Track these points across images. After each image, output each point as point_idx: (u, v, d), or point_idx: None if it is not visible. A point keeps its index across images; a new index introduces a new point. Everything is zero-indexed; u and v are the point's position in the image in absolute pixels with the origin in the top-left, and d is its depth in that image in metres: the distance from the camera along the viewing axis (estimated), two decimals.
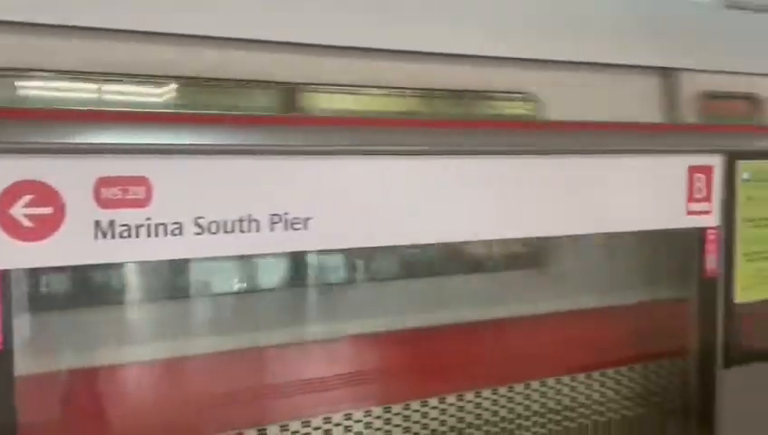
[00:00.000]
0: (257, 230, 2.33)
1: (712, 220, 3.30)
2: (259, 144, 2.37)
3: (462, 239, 2.91)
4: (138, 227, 2.13)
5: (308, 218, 2.41)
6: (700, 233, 3.31)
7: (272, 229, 2.35)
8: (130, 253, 2.17)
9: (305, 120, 2.79)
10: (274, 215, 2.35)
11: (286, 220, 2.37)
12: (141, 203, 2.14)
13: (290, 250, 2.56)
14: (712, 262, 3.33)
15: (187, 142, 2.24)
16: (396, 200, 2.60)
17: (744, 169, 3.37)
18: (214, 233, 2.26)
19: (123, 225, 2.11)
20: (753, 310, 3.48)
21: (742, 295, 3.41)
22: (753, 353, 3.49)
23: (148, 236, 2.15)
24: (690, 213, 3.24)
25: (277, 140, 2.42)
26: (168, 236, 2.18)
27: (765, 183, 3.45)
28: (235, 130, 2.40)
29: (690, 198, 3.23)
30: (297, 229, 2.40)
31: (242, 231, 2.30)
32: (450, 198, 2.71)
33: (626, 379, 3.52)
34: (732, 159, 3.31)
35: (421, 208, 2.66)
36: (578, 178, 3.00)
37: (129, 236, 2.12)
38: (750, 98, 3.99)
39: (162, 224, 2.17)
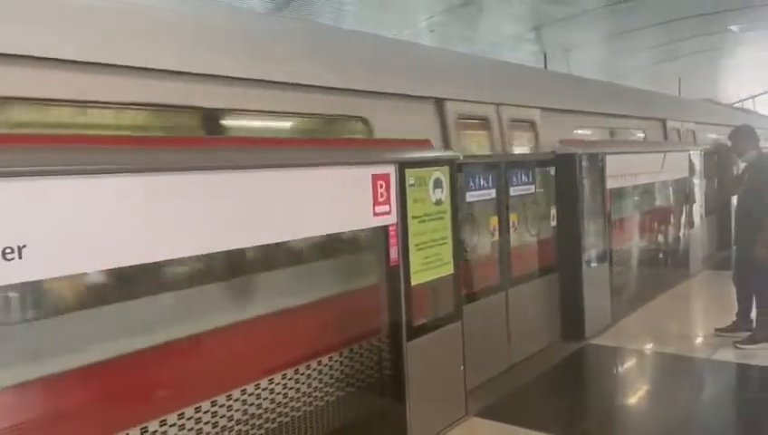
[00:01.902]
0: None
1: (392, 219, 3.94)
2: None
3: (180, 255, 2.89)
4: None
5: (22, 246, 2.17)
6: (384, 229, 3.92)
7: None
8: None
9: (7, 138, 2.46)
10: None
11: None
12: None
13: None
14: (394, 253, 3.98)
15: None
16: (107, 220, 2.51)
17: (410, 175, 4.10)
18: None
19: None
20: (423, 290, 4.25)
21: (415, 279, 4.14)
22: (427, 326, 4.26)
23: None
24: (376, 214, 3.83)
25: None
26: None
27: (424, 187, 4.25)
28: None
29: (375, 202, 3.81)
30: (9, 260, 2.14)
31: None
32: (168, 215, 2.72)
33: (328, 367, 3.87)
34: (402, 168, 4.00)
35: (142, 226, 2.61)
36: (279, 190, 3.27)
37: None
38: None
39: None
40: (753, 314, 6.02)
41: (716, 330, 6.24)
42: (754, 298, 6.01)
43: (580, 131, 7.36)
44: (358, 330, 4.06)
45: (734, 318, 6.17)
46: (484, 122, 5.58)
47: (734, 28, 16.64)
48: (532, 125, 6.22)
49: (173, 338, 3.05)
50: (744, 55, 21.50)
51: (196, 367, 3.20)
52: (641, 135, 8.92)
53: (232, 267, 3.47)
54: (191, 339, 3.14)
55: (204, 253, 3.00)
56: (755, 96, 29.88)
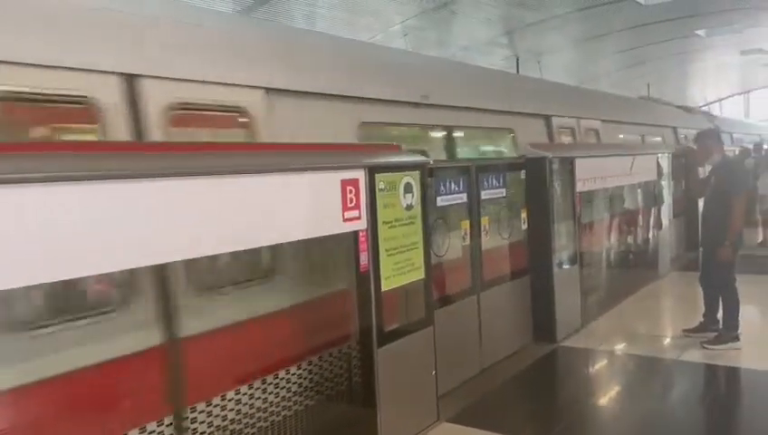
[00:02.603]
0: None
1: (361, 224, 3.90)
2: None
3: (135, 265, 2.77)
4: None
5: None
6: (354, 235, 3.89)
7: None
8: None
9: None
10: None
11: None
12: None
13: None
14: (364, 259, 3.95)
15: None
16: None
17: (380, 180, 4.08)
18: None
19: None
20: (394, 296, 4.23)
21: (386, 284, 4.11)
22: (398, 332, 4.24)
23: None
24: (346, 220, 3.79)
25: None
26: None
27: (394, 192, 4.22)
28: None
29: (345, 207, 3.78)
30: None
31: None
32: (121, 223, 2.61)
33: (296, 376, 3.83)
34: (371, 172, 3.97)
35: (90, 236, 2.53)
36: (244, 197, 3.18)
37: None
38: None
39: None
40: (720, 315, 6.12)
41: (684, 331, 6.33)
42: (720, 300, 6.11)
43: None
44: (327, 337, 4.03)
45: (702, 319, 6.27)
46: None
47: (700, 33, 16.98)
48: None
49: (131, 352, 2.97)
50: (710, 59, 21.98)
51: (157, 381, 3.12)
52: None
53: (195, 277, 3.35)
54: (151, 352, 3.06)
55: (164, 262, 2.93)
56: (722, 99, 30.57)
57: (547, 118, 7.36)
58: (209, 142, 3.60)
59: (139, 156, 2.89)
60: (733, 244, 5.87)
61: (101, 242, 2.53)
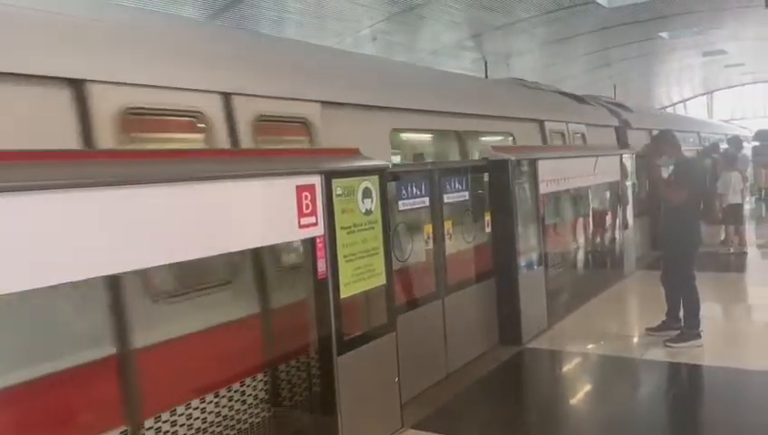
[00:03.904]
0: None
1: (318, 230, 3.84)
2: None
3: (82, 277, 2.67)
4: None
5: None
6: (311, 241, 3.82)
7: None
8: None
9: None
10: None
11: None
12: None
13: None
14: (322, 266, 3.89)
15: None
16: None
17: (337, 185, 4.02)
18: None
19: None
20: (354, 303, 4.17)
21: (345, 291, 4.05)
22: (359, 339, 4.18)
23: None
24: (302, 226, 3.72)
25: None
26: None
27: (352, 197, 4.17)
28: None
29: (301, 213, 3.71)
30: None
31: None
32: (65, 233, 2.52)
33: (252, 387, 3.74)
34: (328, 178, 3.90)
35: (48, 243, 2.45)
36: (203, 204, 3.12)
37: None
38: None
39: None
40: (682, 314, 6.20)
41: (647, 329, 6.40)
42: (681, 299, 6.18)
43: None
44: (285, 347, 3.96)
45: (664, 317, 6.34)
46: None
47: (663, 35, 17.28)
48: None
49: (74, 365, 2.87)
50: (674, 61, 22.40)
51: (104, 395, 3.03)
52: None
53: (146, 286, 3.26)
54: (96, 364, 2.97)
55: (110, 274, 2.83)
56: (687, 100, 31.20)
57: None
58: (156, 150, 3.50)
59: (82, 164, 2.79)
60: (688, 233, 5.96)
61: (45, 254, 2.45)
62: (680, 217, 6.05)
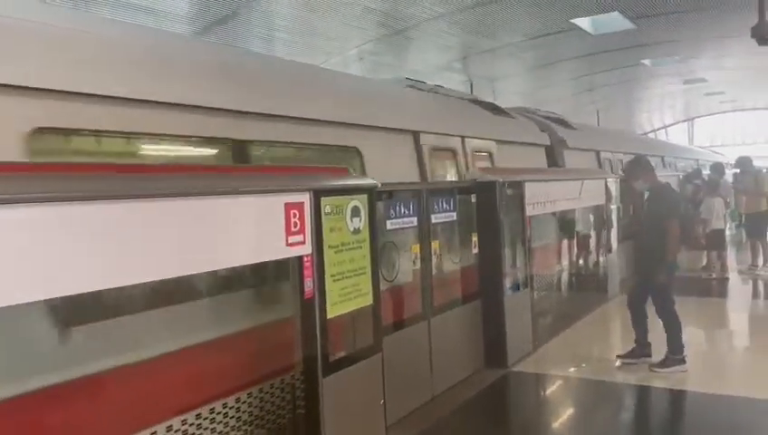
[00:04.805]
0: None
1: (306, 249, 3.78)
2: None
3: (67, 293, 2.60)
4: None
5: None
6: (298, 260, 3.76)
7: None
8: None
9: None
10: None
11: None
12: None
13: None
14: (309, 285, 3.82)
15: None
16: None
17: (326, 204, 3.97)
18: None
19: None
20: (340, 323, 4.11)
21: (332, 311, 3.98)
22: (345, 361, 4.11)
23: None
24: (289, 244, 3.67)
25: None
26: None
27: (340, 215, 4.13)
28: None
29: (288, 231, 3.66)
30: None
31: None
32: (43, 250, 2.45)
33: (235, 409, 3.66)
34: (317, 196, 3.86)
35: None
36: (189, 221, 3.06)
37: None
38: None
39: None
40: (657, 339, 6.14)
41: (618, 356, 6.34)
42: (662, 323, 6.13)
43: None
44: (268, 367, 3.88)
45: (634, 344, 6.29)
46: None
47: (645, 62, 17.59)
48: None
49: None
50: (656, 88, 22.78)
51: (76, 417, 2.93)
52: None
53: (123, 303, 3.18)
54: (69, 385, 2.87)
55: (93, 290, 2.75)
56: (668, 126, 31.70)
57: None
58: (140, 165, 3.44)
59: (63, 178, 2.72)
60: (668, 267, 5.96)
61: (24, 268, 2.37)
62: (651, 243, 6.06)
